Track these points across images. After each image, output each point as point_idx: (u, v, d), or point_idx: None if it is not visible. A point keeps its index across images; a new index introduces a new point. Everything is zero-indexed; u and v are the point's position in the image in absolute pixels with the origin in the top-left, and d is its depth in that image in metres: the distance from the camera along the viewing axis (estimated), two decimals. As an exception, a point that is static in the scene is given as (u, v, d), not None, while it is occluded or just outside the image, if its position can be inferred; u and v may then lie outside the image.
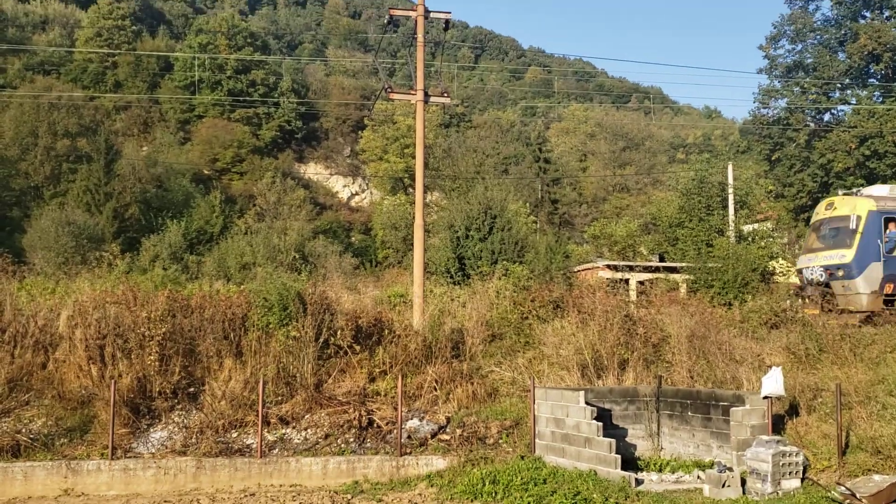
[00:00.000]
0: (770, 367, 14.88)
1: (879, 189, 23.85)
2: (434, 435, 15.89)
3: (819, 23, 52.90)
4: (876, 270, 21.36)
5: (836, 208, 22.91)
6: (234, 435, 15.56)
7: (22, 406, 15.74)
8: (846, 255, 21.65)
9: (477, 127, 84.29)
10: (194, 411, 15.99)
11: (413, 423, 16.15)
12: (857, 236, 21.53)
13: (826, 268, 22.16)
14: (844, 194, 24.23)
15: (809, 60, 52.34)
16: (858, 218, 21.73)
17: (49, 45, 73.50)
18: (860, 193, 23.78)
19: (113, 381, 15.29)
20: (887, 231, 21.76)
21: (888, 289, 21.43)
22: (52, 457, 14.52)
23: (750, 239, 30.31)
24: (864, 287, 21.22)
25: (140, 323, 16.58)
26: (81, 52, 73.22)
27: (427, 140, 22.42)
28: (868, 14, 51.59)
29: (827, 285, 22.05)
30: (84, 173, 48.99)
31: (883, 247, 21.51)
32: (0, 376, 15.86)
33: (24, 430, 15.05)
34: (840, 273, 21.71)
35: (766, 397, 13.89)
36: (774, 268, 28.06)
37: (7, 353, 16.39)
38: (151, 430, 15.62)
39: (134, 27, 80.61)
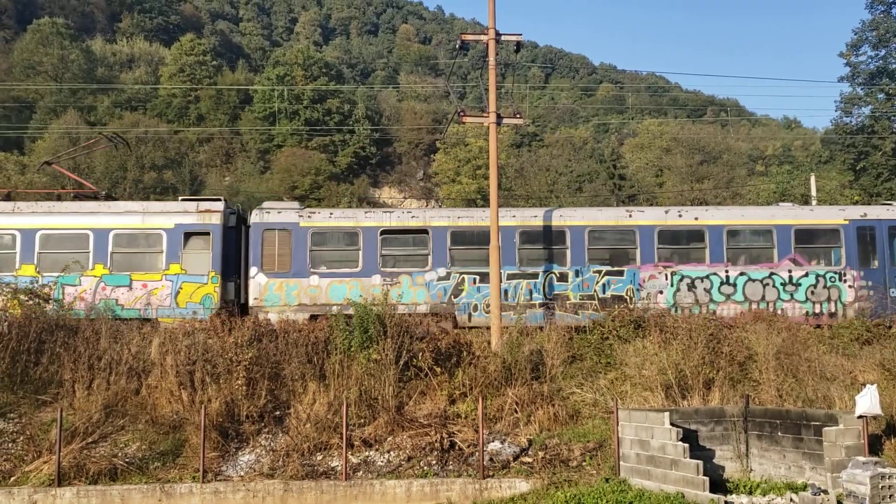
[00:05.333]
0: (864, 384, 14.38)
1: None
2: (516, 457, 15.84)
3: (904, 26, 51.13)
4: None
5: None
6: (319, 457, 15.83)
7: (118, 431, 16.35)
8: None
9: (549, 145, 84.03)
10: (280, 434, 16.34)
11: (494, 446, 16.13)
12: None
13: None
14: None
15: (894, 66, 50.63)
16: None
17: (135, 83, 76.87)
18: None
19: (203, 405, 15.80)
20: None
21: None
22: (146, 480, 15.04)
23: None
24: None
25: (228, 348, 17.10)
26: (166, 88, 76.32)
27: (499, 160, 22.59)
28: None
29: None
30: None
31: None
32: (97, 402, 16.54)
33: (119, 454, 15.64)
34: None
35: (860, 416, 13.41)
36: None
37: (103, 380, 17.09)
38: (240, 453, 16.02)
39: (214, 62, 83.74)
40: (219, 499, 14.79)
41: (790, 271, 21.94)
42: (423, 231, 22.03)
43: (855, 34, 52.18)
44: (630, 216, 22.36)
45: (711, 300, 21.74)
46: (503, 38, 20.60)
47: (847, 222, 22.34)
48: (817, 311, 21.47)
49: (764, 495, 13.91)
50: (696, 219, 22.34)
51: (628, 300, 21.49)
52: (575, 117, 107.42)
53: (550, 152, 78.10)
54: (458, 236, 22.06)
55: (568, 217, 22.44)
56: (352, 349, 17.63)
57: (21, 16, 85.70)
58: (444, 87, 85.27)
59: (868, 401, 13.40)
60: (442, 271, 21.69)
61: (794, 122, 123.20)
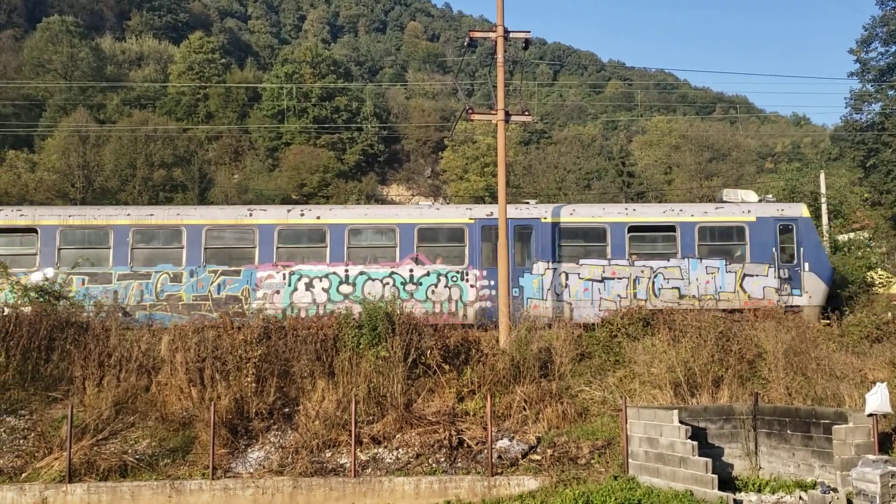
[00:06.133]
0: (874, 382, 14.33)
1: None
2: (524, 455, 15.85)
3: (914, 23, 50.79)
4: None
5: None
6: (328, 454, 15.88)
7: (128, 427, 16.43)
8: None
9: (557, 143, 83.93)
10: (289, 431, 16.39)
11: (503, 443, 16.15)
12: None
13: None
14: None
15: (905, 62, 50.36)
16: None
17: (144, 81, 77.04)
18: None
19: (212, 402, 15.86)
20: None
21: None
22: (156, 476, 15.11)
23: (846, 249, 29.20)
24: None
25: (237, 346, 17.15)
26: (175, 86, 76.48)
27: (508, 158, 22.55)
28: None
29: None
30: (180, 202, 51.11)
31: None
32: (107, 399, 16.62)
33: (130, 451, 15.71)
34: None
35: (870, 415, 13.37)
36: (873, 279, 26.95)
37: (113, 377, 17.16)
38: (249, 450, 16.08)
39: (223, 60, 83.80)
40: (228, 495, 14.85)
41: (411, 270, 21.64)
42: (32, 230, 21.41)
43: (865, 30, 51.93)
44: (250, 215, 22.00)
45: (329, 300, 21.33)
46: (511, 35, 20.58)
47: (472, 221, 21.99)
48: (437, 310, 21.04)
49: (773, 493, 13.89)
50: (318, 218, 22.04)
51: (243, 300, 21.10)
52: (583, 114, 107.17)
53: (559, 149, 78.02)
54: (69, 235, 21.47)
55: (186, 216, 22.05)
56: (361, 347, 17.67)
57: (31, 14, 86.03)
58: (453, 84, 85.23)
59: (878, 399, 13.36)
60: (50, 272, 20.91)
61: (804, 119, 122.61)
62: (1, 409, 16.69)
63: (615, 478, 14.76)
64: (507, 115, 20.57)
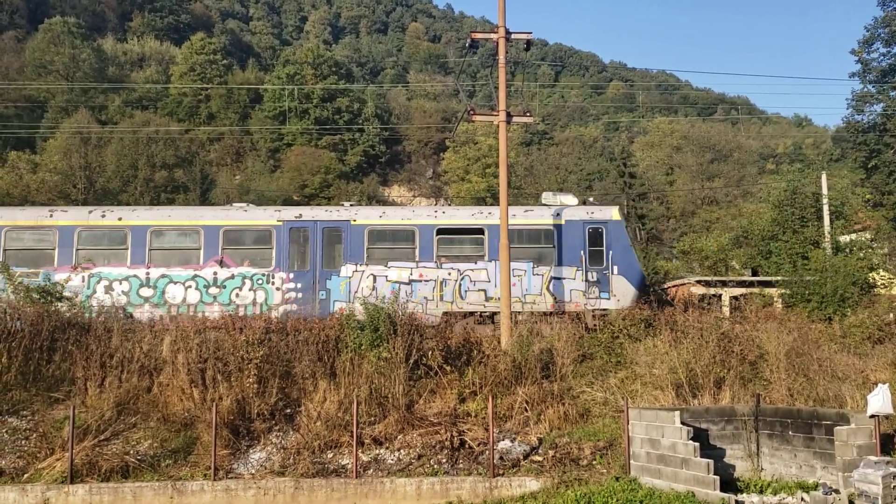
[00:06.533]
0: (876, 384, 14.32)
1: None
2: (526, 456, 15.84)
3: (916, 24, 50.73)
4: None
5: None
6: (330, 455, 15.87)
7: (129, 428, 16.42)
8: None
9: (559, 144, 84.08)
10: (291, 432, 16.38)
11: (505, 445, 16.14)
12: None
13: None
14: None
15: (906, 63, 50.29)
16: None
17: (146, 82, 77.18)
18: None
19: (214, 403, 15.85)
20: None
21: None
22: (158, 477, 15.10)
23: (848, 250, 29.13)
24: None
25: (239, 346, 17.15)
26: (176, 87, 76.59)
27: (509, 159, 22.50)
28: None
29: None
30: (182, 203, 51.20)
31: None
32: (109, 400, 16.62)
33: (131, 452, 15.71)
34: None
35: (872, 416, 13.36)
36: (875, 280, 26.91)
37: (115, 378, 17.16)
38: (251, 450, 16.07)
39: (225, 61, 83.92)
40: (230, 496, 14.85)
41: (215, 273, 21.45)
42: None
43: (867, 31, 51.88)
44: (51, 216, 21.83)
45: (129, 303, 21.08)
46: (513, 36, 20.58)
47: (280, 223, 21.88)
48: (241, 314, 20.60)
49: (775, 494, 13.88)
50: (120, 219, 21.83)
51: None
52: (585, 115, 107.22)
53: (560, 150, 78.13)
54: None
55: None
56: (362, 347, 17.67)
57: (33, 15, 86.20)
58: (454, 85, 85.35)
59: (880, 400, 13.35)
60: None
61: (805, 120, 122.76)
62: (3, 409, 16.69)
63: (617, 479, 14.74)
64: (509, 115, 20.57)
